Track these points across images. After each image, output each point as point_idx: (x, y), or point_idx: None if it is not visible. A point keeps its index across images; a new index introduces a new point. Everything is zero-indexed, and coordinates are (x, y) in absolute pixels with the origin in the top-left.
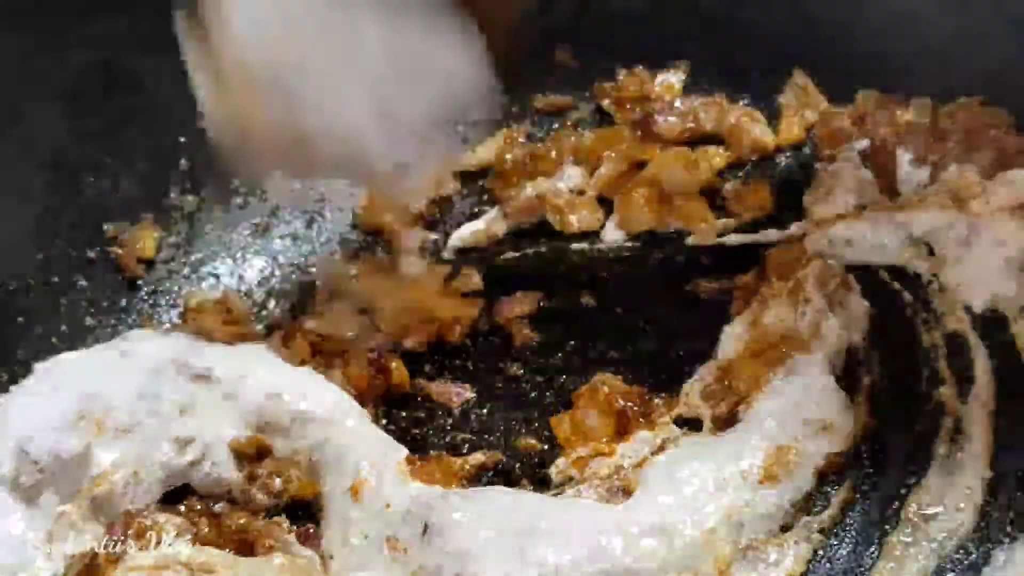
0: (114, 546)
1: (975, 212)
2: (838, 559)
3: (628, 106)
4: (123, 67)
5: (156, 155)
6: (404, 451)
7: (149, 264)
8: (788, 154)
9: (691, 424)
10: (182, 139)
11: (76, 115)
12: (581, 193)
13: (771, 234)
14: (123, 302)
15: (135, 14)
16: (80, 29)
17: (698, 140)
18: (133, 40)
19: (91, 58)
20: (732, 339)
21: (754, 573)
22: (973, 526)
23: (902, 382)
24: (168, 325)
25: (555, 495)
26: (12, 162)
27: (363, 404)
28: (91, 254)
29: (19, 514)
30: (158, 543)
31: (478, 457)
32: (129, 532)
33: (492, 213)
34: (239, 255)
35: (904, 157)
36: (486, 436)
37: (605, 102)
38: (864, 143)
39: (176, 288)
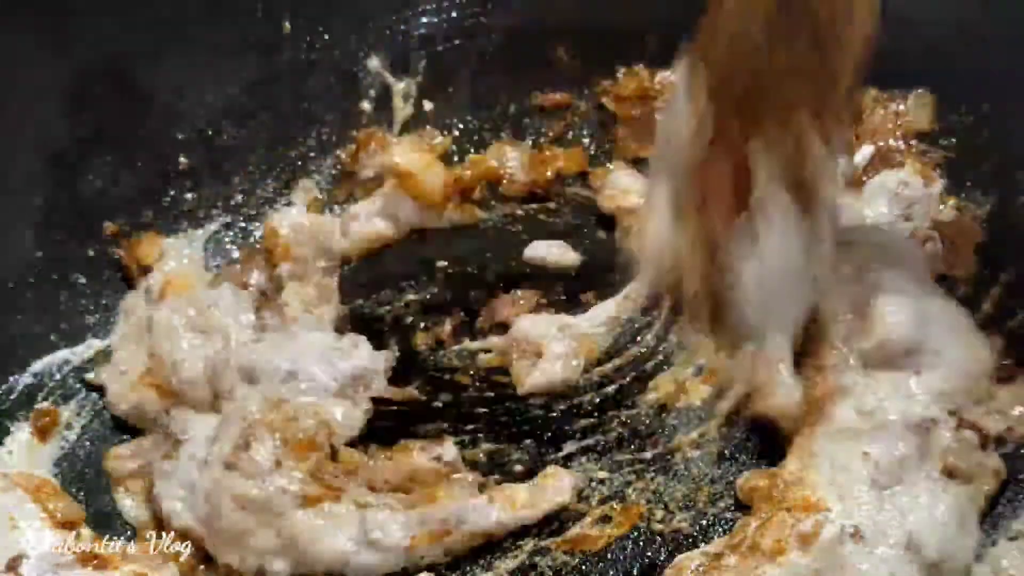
0: None
1: None
2: None
3: (628, 104)
4: (123, 67)
5: (156, 155)
6: None
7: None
8: None
9: None
10: (182, 138)
11: (76, 115)
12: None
13: None
14: (123, 300)
15: (135, 14)
16: (80, 29)
17: None
18: (133, 40)
19: (91, 58)
20: None
21: None
22: None
23: None
24: None
25: None
26: (12, 161)
27: None
28: (91, 252)
29: None
30: None
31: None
32: None
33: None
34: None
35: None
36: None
37: (605, 100)
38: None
39: None
